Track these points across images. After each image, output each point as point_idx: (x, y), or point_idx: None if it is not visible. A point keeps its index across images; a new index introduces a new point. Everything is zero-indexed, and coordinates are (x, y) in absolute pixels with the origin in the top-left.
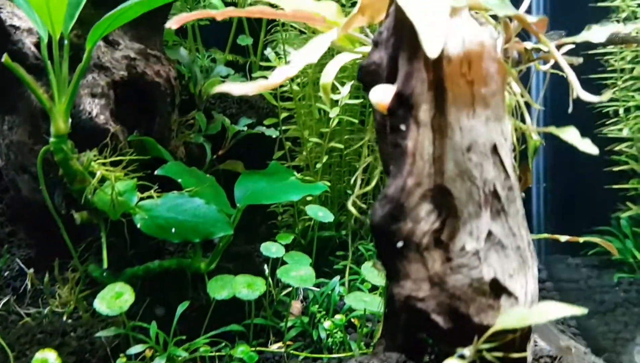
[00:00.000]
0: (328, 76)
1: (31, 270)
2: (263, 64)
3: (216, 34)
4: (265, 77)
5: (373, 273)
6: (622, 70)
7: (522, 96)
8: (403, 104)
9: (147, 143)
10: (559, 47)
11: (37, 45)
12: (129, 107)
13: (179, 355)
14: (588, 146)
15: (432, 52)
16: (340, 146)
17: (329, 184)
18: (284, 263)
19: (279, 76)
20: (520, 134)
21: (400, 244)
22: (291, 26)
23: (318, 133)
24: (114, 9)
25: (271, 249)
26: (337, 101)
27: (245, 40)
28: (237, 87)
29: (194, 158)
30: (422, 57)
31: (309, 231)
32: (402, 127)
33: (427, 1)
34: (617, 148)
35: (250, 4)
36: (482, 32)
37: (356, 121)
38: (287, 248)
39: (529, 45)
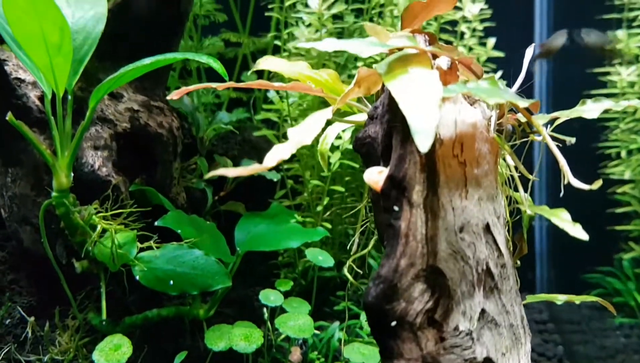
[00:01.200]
0: (325, 143)
1: (32, 318)
2: (266, 106)
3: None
4: (270, 120)
5: None
6: (625, 111)
7: (516, 168)
8: (396, 186)
9: (148, 192)
10: (553, 121)
11: (42, 98)
12: (131, 157)
13: None
14: (579, 232)
15: (423, 148)
16: (342, 189)
17: (330, 226)
18: (283, 310)
19: (273, 158)
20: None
21: (393, 323)
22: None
23: (319, 174)
24: (118, 61)
25: (270, 297)
26: (337, 146)
27: (249, 77)
28: (232, 171)
29: (195, 202)
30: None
31: (310, 271)
32: (395, 208)
33: (419, 93)
34: (619, 190)
35: (254, 52)
36: (475, 113)
37: (357, 166)
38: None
39: (523, 118)
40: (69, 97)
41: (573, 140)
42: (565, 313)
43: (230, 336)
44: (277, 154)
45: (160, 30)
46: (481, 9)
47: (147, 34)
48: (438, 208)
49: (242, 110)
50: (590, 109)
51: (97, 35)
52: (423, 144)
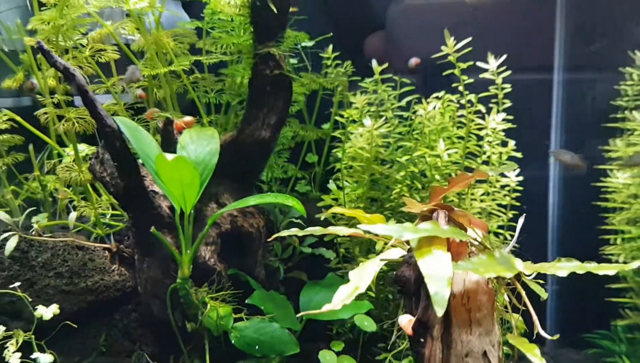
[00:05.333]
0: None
1: None
2: (325, 197)
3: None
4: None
5: None
6: (623, 203)
7: (511, 303)
8: (422, 326)
9: (240, 275)
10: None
11: (170, 208)
12: (229, 248)
13: None
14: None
15: (439, 314)
16: (385, 267)
17: (373, 294)
18: None
19: (339, 302)
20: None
21: None
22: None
23: (367, 250)
24: (225, 178)
25: (326, 357)
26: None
27: (311, 158)
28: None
29: (270, 273)
30: None
31: (357, 327)
32: (422, 340)
33: (437, 274)
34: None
35: (316, 140)
36: (478, 274)
37: None
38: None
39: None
40: (192, 211)
41: (545, 296)
42: None
43: None
44: (341, 298)
45: (255, 157)
46: (503, 119)
47: (246, 160)
48: (450, 341)
49: (304, 183)
50: (562, 267)
51: (212, 165)
52: (439, 311)
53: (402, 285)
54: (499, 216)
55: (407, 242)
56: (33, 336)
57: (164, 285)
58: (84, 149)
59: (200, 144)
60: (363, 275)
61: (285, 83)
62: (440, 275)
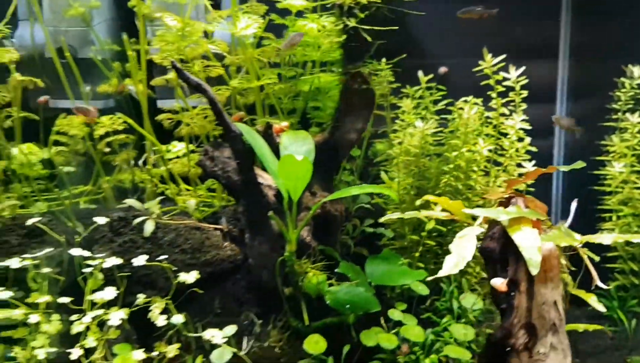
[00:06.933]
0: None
1: (260, 321)
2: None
3: None
4: None
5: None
6: (619, 188)
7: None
8: (513, 283)
9: (327, 250)
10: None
11: (275, 195)
12: (319, 228)
13: None
14: (599, 306)
15: (534, 273)
16: (432, 242)
17: (423, 265)
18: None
19: (450, 268)
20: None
21: (507, 349)
22: None
23: (415, 229)
24: (317, 171)
25: (395, 314)
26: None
27: (355, 152)
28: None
29: (344, 249)
30: (523, 260)
31: (405, 291)
32: (512, 293)
33: (530, 244)
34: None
35: None
36: (550, 244)
37: (444, 229)
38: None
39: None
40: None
41: (598, 259)
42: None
43: (378, 338)
44: (450, 266)
45: (341, 154)
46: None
47: (333, 157)
48: (533, 293)
49: (347, 173)
50: (605, 238)
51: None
52: (534, 271)
53: (487, 255)
54: None
55: (488, 221)
56: (170, 301)
57: (271, 258)
58: (182, 147)
59: (298, 145)
60: (464, 247)
61: (370, 96)
62: (532, 245)
